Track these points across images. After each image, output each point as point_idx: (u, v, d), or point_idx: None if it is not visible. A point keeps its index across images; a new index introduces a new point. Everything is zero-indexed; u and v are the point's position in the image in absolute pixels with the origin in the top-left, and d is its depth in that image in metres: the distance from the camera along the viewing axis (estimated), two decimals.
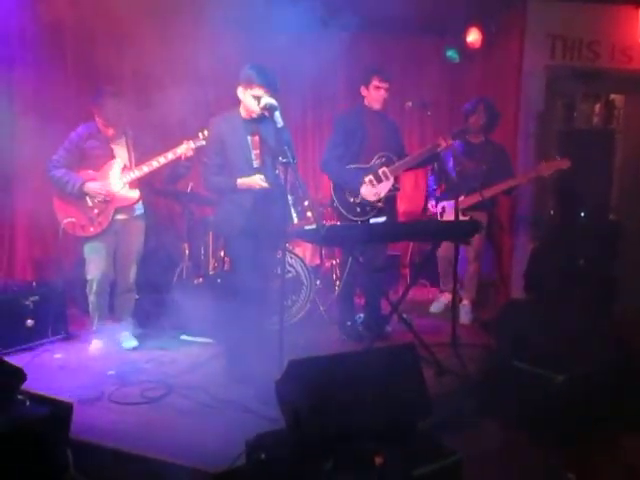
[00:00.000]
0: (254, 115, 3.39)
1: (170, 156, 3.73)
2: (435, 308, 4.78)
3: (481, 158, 4.52)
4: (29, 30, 4.70)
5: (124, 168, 3.83)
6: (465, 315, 4.66)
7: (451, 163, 4.54)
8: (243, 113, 3.44)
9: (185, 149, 3.68)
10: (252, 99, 3.33)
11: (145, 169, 3.78)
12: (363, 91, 4.06)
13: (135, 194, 3.85)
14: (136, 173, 3.81)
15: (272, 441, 2.34)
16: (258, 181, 3.35)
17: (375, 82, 3.98)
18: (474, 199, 4.26)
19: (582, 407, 2.92)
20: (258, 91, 3.30)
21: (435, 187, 4.84)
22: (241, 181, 3.38)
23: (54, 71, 4.75)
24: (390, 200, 4.14)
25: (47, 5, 4.60)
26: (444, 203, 4.63)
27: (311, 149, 6.07)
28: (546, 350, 3.13)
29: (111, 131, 3.80)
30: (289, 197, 3.89)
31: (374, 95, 4.01)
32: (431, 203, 4.80)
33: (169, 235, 5.48)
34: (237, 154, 3.42)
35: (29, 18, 4.63)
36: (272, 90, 3.31)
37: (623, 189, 5.57)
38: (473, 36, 5.52)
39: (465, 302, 4.72)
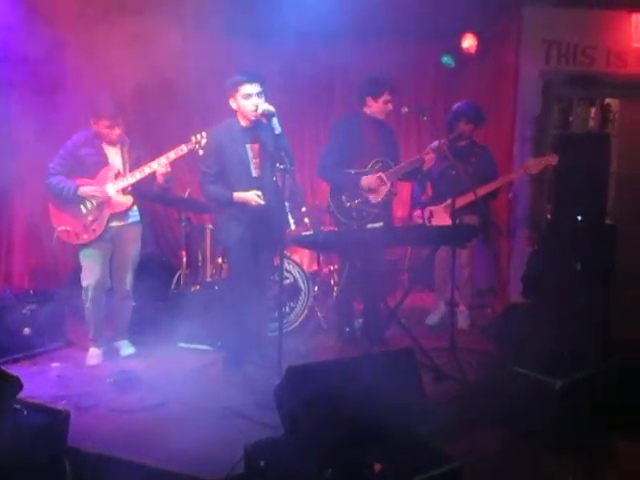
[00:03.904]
0: (253, 118, 3.39)
1: (163, 161, 3.70)
2: (431, 320, 4.75)
3: (468, 160, 4.52)
4: (29, 40, 4.70)
5: (117, 174, 3.83)
6: (463, 320, 4.65)
7: (437, 167, 4.53)
8: (242, 121, 3.45)
9: (176, 152, 3.64)
10: (245, 100, 3.33)
11: (138, 175, 3.77)
12: (370, 101, 4.06)
13: (128, 199, 3.85)
14: (129, 180, 3.80)
15: (271, 448, 2.33)
16: (254, 198, 3.36)
17: (386, 96, 4.02)
18: (466, 199, 4.25)
19: (580, 412, 2.91)
20: (247, 88, 3.32)
21: (420, 194, 4.77)
22: (238, 195, 3.39)
23: (52, 81, 4.75)
24: (387, 205, 4.14)
25: (46, 17, 4.61)
26: (432, 207, 4.59)
27: (308, 155, 6.06)
28: (545, 355, 3.13)
29: (117, 131, 3.78)
30: (286, 203, 3.90)
31: (383, 107, 4.04)
32: (416, 213, 4.65)
33: (166, 242, 5.48)
34: (235, 163, 3.42)
35: (28, 29, 4.63)
36: (259, 81, 3.33)
37: (619, 193, 5.58)
38: (468, 42, 5.55)
39: (462, 307, 4.71)
